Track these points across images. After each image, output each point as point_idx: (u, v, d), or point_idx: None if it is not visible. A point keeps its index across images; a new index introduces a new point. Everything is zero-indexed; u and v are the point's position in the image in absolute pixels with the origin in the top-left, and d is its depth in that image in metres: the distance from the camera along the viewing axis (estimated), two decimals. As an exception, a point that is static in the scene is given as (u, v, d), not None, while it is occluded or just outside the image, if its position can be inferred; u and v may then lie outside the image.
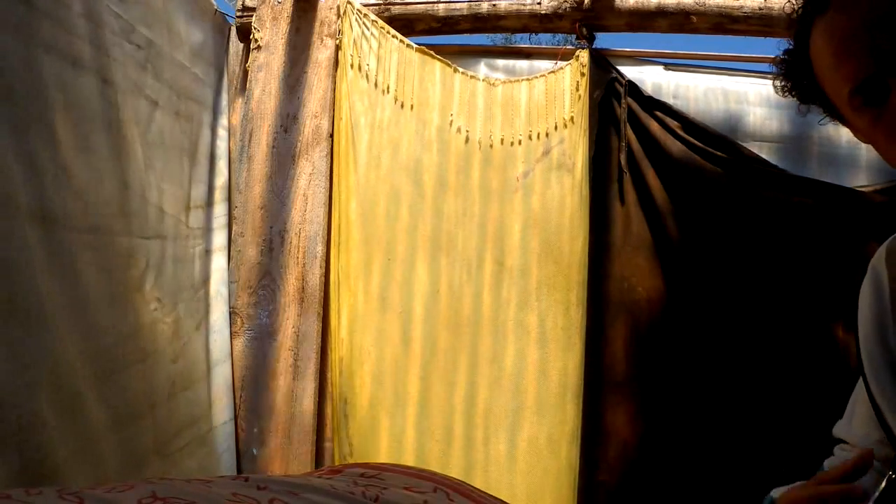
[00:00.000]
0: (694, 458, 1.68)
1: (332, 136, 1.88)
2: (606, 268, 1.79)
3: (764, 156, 1.85)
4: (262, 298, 1.80)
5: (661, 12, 1.83)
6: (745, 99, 1.99)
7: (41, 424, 0.96)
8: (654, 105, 1.83)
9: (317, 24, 1.91)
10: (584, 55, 1.84)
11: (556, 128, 1.86)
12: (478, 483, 1.68)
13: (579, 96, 1.83)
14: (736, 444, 1.67)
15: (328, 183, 1.87)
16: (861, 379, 0.76)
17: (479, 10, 1.91)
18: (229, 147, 1.91)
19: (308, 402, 1.77)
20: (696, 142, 1.78)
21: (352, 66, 1.89)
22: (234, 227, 1.85)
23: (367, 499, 0.73)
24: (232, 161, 1.91)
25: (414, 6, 1.95)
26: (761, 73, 2.01)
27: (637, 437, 1.73)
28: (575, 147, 1.83)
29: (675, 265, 1.77)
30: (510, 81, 1.92)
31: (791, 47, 0.74)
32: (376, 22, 1.91)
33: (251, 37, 1.92)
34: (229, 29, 1.96)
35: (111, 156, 1.26)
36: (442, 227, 1.86)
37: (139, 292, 1.35)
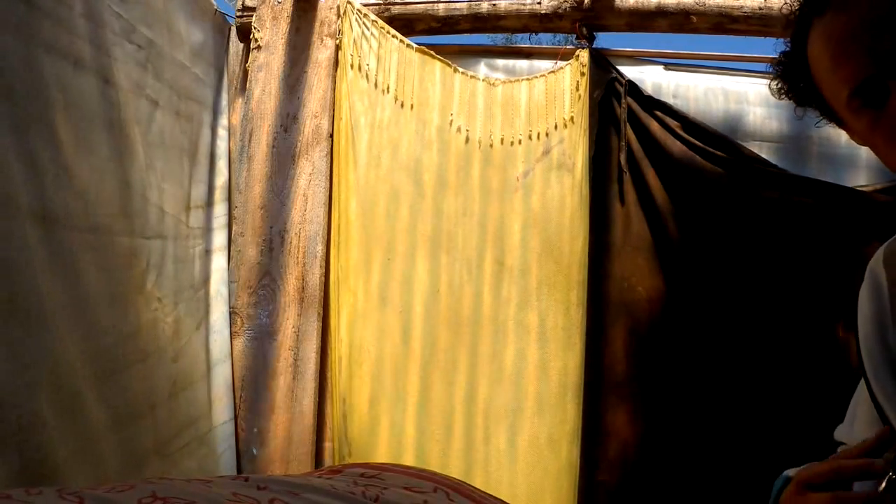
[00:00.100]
0: (694, 458, 1.68)
1: (332, 135, 1.88)
2: (606, 268, 1.79)
3: (764, 156, 1.85)
4: (262, 298, 1.80)
5: (661, 12, 1.83)
6: (745, 99, 1.99)
7: (41, 424, 0.97)
8: (654, 105, 1.83)
9: (317, 24, 1.91)
10: (584, 55, 1.84)
11: (556, 127, 1.86)
12: (478, 483, 1.68)
13: (579, 96, 1.84)
14: (736, 444, 1.67)
15: (328, 183, 1.87)
16: (862, 381, 0.76)
17: (479, 10, 1.91)
18: (229, 147, 1.91)
19: (308, 402, 1.77)
20: (696, 142, 1.78)
21: (352, 65, 1.89)
22: (234, 227, 1.85)
23: (367, 499, 0.73)
24: (232, 161, 1.91)
25: (414, 6, 1.95)
26: (761, 73, 2.01)
27: (637, 437, 1.73)
28: (575, 147, 1.83)
29: (675, 265, 1.77)
30: (510, 81, 1.92)
31: (788, 49, 0.74)
32: (376, 22, 1.91)
33: (251, 37, 1.92)
34: (229, 29, 1.96)
35: (112, 156, 1.26)
36: (442, 226, 1.86)
37: (140, 292, 1.35)
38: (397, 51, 1.91)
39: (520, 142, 1.88)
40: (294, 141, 1.85)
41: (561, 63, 1.90)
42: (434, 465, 1.75)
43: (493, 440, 1.79)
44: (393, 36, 1.91)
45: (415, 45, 1.92)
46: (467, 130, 1.89)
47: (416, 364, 1.83)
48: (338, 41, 1.90)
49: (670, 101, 1.91)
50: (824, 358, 1.66)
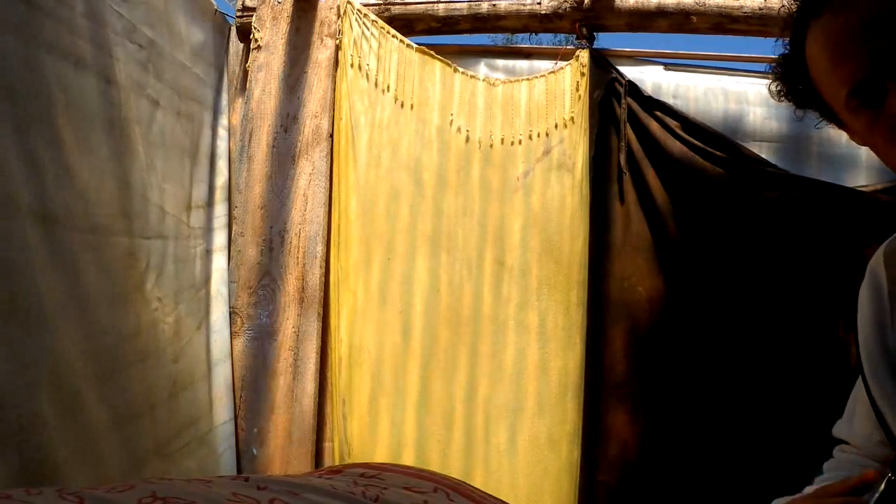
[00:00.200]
0: (694, 459, 1.68)
1: (332, 135, 1.88)
2: (606, 267, 1.79)
3: (764, 156, 1.85)
4: (262, 298, 1.80)
5: (661, 12, 1.83)
6: (745, 99, 1.99)
7: (41, 424, 0.97)
8: (654, 105, 1.83)
9: (317, 24, 1.91)
10: (584, 55, 1.84)
11: (556, 127, 1.86)
12: (478, 482, 1.68)
13: (579, 96, 1.84)
14: (736, 444, 1.67)
15: (328, 183, 1.87)
16: (861, 379, 0.76)
17: (479, 10, 1.91)
18: (229, 147, 1.91)
19: (308, 402, 1.77)
20: (696, 142, 1.78)
21: (352, 65, 1.89)
22: (234, 227, 1.85)
23: (367, 499, 0.73)
24: (232, 161, 1.91)
25: (414, 6, 1.95)
26: (761, 73, 2.01)
27: (637, 437, 1.73)
28: (575, 147, 1.83)
29: (675, 265, 1.77)
30: (510, 81, 1.92)
31: (786, 52, 0.74)
32: (376, 22, 1.91)
33: (251, 37, 1.92)
34: (229, 29, 1.96)
35: (112, 156, 1.26)
36: (442, 226, 1.86)
37: (140, 292, 1.35)
38: (397, 51, 1.91)
39: (520, 142, 1.88)
40: (294, 141, 1.85)
41: (561, 63, 1.90)
42: (434, 465, 1.75)
43: (494, 440, 1.79)
44: (393, 36, 1.91)
45: (415, 45, 1.92)
46: (467, 130, 1.89)
47: (417, 363, 1.83)
48: (338, 41, 1.90)
49: (670, 101, 1.91)
50: (824, 358, 1.66)
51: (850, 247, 1.66)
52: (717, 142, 1.79)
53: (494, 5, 1.90)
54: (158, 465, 1.36)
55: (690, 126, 1.81)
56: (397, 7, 1.95)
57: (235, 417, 1.76)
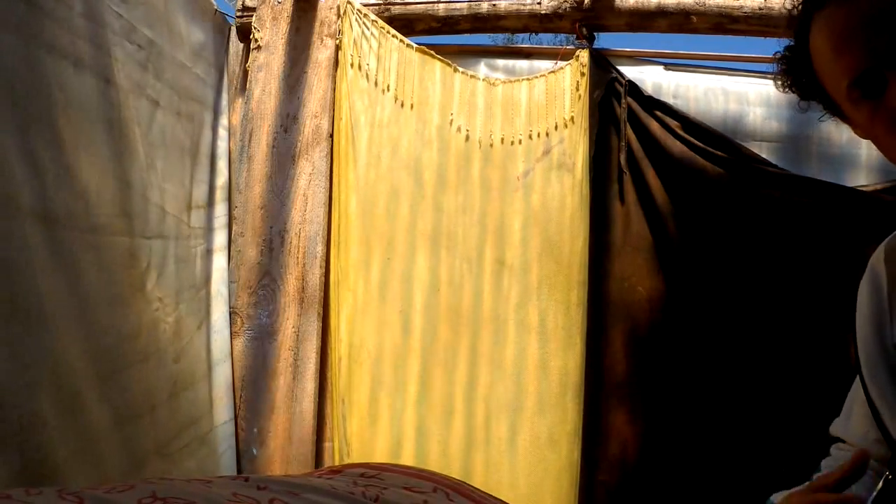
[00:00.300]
0: (694, 458, 1.68)
1: (332, 135, 1.88)
2: (606, 267, 1.79)
3: (764, 156, 1.85)
4: (262, 298, 1.80)
5: (661, 12, 1.83)
6: (745, 99, 1.99)
7: (41, 424, 0.97)
8: (654, 105, 1.83)
9: (317, 24, 1.91)
10: (584, 55, 1.84)
11: (556, 127, 1.86)
12: (478, 482, 1.68)
13: (579, 96, 1.84)
14: (736, 444, 1.67)
15: (328, 183, 1.87)
16: (858, 378, 0.76)
17: (479, 10, 1.91)
18: (229, 147, 1.91)
19: (308, 402, 1.77)
20: (696, 142, 1.78)
21: (352, 65, 1.89)
22: (234, 227, 1.85)
23: (367, 499, 0.73)
24: (232, 161, 1.91)
25: (414, 6, 1.95)
26: (761, 73, 2.01)
27: (637, 437, 1.73)
28: (575, 147, 1.83)
29: (676, 265, 1.77)
30: (510, 81, 1.92)
31: (791, 44, 0.75)
32: (376, 22, 1.91)
33: (251, 37, 1.92)
34: (229, 29, 1.96)
35: (113, 156, 1.26)
36: (442, 224, 1.86)
37: (141, 292, 1.35)
38: (397, 50, 1.91)
39: (520, 141, 1.88)
40: (294, 141, 1.86)
41: (561, 63, 1.90)
42: (434, 465, 1.75)
43: (494, 439, 1.79)
44: (393, 36, 1.91)
45: (415, 45, 1.92)
46: (467, 130, 1.89)
47: (417, 362, 1.83)
48: (338, 41, 1.90)
49: (670, 101, 1.91)
50: (824, 358, 1.66)
51: (850, 247, 1.66)
52: (718, 142, 1.79)
53: (494, 5, 1.90)
54: (159, 465, 1.36)
55: (690, 126, 1.81)
56: (397, 7, 1.95)
57: (235, 417, 1.76)
